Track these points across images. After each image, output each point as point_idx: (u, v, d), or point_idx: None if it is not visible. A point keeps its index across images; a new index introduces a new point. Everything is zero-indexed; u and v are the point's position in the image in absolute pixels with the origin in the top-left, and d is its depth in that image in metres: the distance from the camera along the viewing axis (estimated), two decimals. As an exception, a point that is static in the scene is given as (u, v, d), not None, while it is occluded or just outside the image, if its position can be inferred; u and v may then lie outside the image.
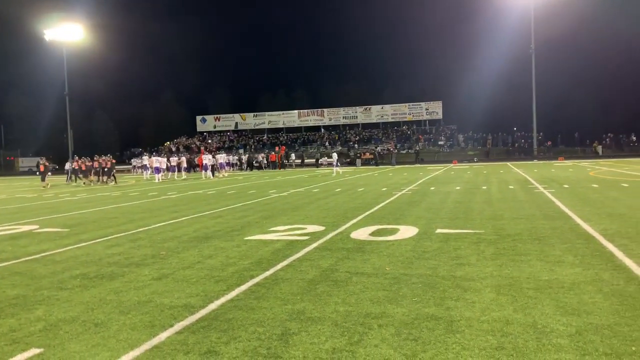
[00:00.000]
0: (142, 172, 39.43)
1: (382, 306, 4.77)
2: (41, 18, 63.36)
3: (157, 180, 33.45)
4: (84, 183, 31.98)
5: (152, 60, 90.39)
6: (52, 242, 9.24)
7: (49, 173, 34.37)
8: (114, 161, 33.43)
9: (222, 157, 39.76)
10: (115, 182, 32.27)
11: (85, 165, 32.53)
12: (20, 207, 16.85)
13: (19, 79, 78.16)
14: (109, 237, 9.51)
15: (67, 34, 61.61)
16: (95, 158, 33.37)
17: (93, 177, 32.33)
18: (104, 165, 32.44)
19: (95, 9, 72.42)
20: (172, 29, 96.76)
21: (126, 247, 8.40)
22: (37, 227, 11.38)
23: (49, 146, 71.40)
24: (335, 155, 37.75)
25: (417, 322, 4.32)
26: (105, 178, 32.53)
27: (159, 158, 38.61)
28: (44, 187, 29.61)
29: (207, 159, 37.53)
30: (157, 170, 35.02)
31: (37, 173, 33.76)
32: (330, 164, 37.92)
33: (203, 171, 36.86)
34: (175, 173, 38.91)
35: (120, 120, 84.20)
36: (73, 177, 34.22)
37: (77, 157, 34.48)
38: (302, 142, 70.85)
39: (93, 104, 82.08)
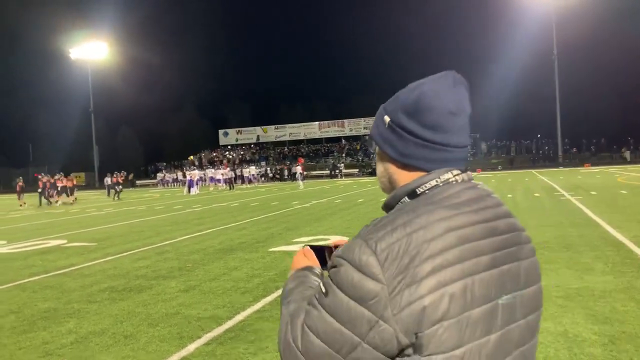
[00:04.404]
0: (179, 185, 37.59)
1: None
2: (66, 37, 65.07)
3: (195, 192, 33.69)
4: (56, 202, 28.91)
5: (174, 75, 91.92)
6: (81, 256, 9.40)
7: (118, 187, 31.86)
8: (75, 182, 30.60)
9: (197, 174, 38.17)
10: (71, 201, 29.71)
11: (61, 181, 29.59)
12: (49, 222, 17.20)
13: (45, 97, 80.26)
14: (136, 251, 9.64)
15: (92, 52, 63.06)
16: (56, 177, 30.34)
17: (59, 197, 29.48)
18: (67, 184, 29.76)
19: (118, 26, 74.06)
20: (193, 44, 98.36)
21: (153, 260, 8.50)
22: (65, 241, 11.60)
23: (75, 162, 72.82)
24: (299, 168, 38.32)
25: (445, 332, 4.28)
26: (67, 197, 29.66)
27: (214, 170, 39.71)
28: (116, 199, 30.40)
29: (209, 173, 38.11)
30: (191, 182, 35.26)
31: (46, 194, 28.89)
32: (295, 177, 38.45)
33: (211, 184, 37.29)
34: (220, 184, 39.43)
35: (144, 135, 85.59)
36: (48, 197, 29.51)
37: (43, 175, 31.01)
38: (323, 153, 71.01)
39: (118, 119, 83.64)
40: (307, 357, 0.97)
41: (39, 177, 30.05)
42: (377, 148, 1.17)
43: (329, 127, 73.61)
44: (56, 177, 29.83)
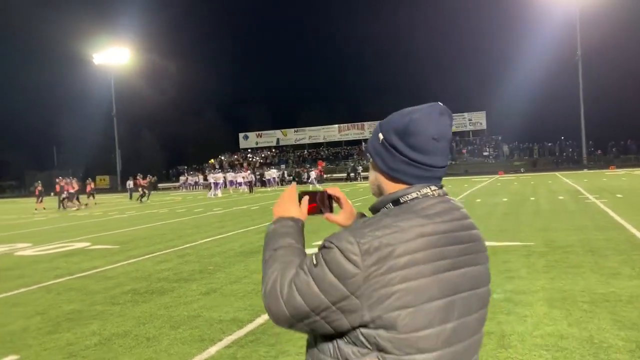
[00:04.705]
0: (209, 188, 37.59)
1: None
2: (90, 43, 66.23)
3: (216, 195, 33.87)
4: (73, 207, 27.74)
5: (195, 79, 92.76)
6: (104, 258, 9.53)
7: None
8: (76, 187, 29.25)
9: (220, 176, 37.71)
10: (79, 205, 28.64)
11: (73, 187, 28.73)
12: (72, 225, 17.49)
13: (69, 101, 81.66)
14: (158, 253, 9.74)
15: (115, 57, 64.08)
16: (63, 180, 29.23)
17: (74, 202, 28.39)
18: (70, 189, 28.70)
19: (140, 31, 75.10)
20: (214, 48, 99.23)
21: (175, 263, 8.58)
22: (89, 244, 11.77)
23: (98, 165, 73.94)
24: (313, 174, 38.78)
25: (467, 336, 4.23)
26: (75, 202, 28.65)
27: (239, 173, 40.14)
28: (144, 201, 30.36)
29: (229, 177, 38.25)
30: (216, 185, 35.42)
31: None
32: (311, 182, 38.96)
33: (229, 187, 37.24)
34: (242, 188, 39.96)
35: (166, 139, 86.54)
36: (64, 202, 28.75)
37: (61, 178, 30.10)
38: (343, 156, 70.95)
39: (139, 123, 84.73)
40: (287, 306, 1.21)
41: (57, 180, 29.92)
42: (370, 159, 1.39)
43: (348, 129, 73.52)
44: (64, 182, 28.79)
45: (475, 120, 67.41)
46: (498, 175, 43.24)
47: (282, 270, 1.27)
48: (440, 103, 1.31)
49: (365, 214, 1.51)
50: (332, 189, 1.53)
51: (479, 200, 18.14)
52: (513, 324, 4.49)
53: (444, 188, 1.33)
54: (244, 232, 12.32)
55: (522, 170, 51.45)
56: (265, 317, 5.11)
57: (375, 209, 1.35)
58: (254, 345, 4.32)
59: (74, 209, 27.15)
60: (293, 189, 1.48)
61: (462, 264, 1.24)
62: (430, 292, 1.16)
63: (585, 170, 44.70)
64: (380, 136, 1.33)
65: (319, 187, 36.15)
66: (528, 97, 68.64)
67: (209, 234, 12.26)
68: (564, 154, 60.76)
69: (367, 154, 1.41)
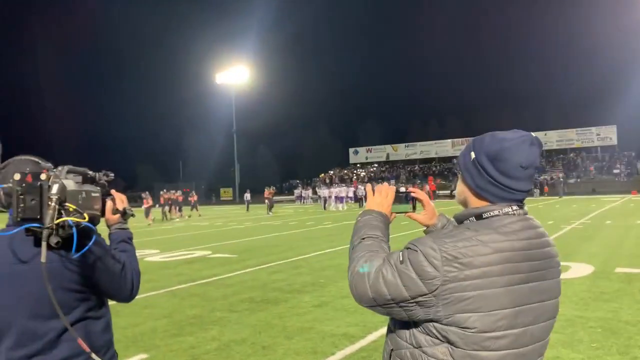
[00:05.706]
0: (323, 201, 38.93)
1: (556, 350, 4.37)
2: (213, 64, 71.05)
3: (337, 208, 35.17)
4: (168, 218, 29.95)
5: (308, 95, 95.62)
6: (223, 267, 10.03)
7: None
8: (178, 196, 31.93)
9: (337, 190, 38.54)
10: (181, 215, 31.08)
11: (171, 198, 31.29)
12: (195, 234, 18.65)
13: (194, 119, 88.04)
14: (272, 264, 10.06)
15: (234, 77, 68.01)
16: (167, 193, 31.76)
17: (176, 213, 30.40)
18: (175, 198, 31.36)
19: (258, 51, 79.15)
20: (325, 64, 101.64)
21: (288, 274, 8.81)
22: (209, 252, 12.47)
23: (219, 179, 78.52)
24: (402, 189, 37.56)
25: (599, 371, 3.87)
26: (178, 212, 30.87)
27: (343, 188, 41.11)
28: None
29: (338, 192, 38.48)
30: (341, 199, 36.55)
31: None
32: None
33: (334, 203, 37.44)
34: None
35: (280, 154, 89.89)
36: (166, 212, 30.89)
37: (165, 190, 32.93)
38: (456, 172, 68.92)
39: (257, 139, 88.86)
40: (371, 290, 1.38)
41: (161, 193, 32.04)
42: (460, 173, 1.52)
43: (462, 144, 71.32)
44: (143, 195, 29.44)
45: (604, 135, 62.27)
46: (631, 195, 39.47)
47: (369, 258, 1.43)
48: (532, 134, 1.42)
49: (446, 215, 1.73)
50: (416, 190, 1.70)
51: (609, 222, 16.68)
52: (653, 361, 4.04)
53: (524, 207, 1.45)
54: (355, 247, 12.33)
55: (659, 189, 46.48)
56: (377, 334, 5.06)
57: (459, 219, 1.50)
58: (366, 362, 4.28)
59: (149, 222, 27.11)
60: (388, 187, 1.65)
61: (534, 279, 1.36)
62: (500, 301, 1.30)
63: None
64: (472, 155, 1.46)
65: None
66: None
67: (320, 247, 12.45)
68: None
69: (458, 169, 1.54)
